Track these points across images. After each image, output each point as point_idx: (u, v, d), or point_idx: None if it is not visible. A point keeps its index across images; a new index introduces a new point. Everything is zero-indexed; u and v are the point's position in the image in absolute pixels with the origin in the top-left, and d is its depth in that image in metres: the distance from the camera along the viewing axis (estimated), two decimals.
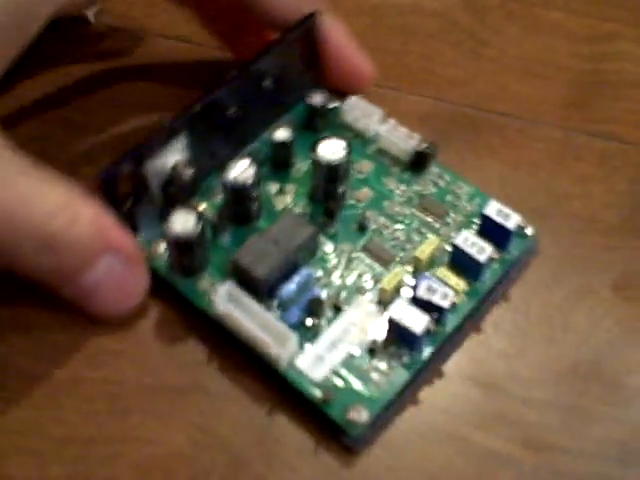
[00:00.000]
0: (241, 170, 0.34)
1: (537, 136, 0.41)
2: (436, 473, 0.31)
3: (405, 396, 0.32)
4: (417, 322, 0.32)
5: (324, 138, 0.35)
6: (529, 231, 0.35)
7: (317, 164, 0.35)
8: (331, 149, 0.35)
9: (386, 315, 0.33)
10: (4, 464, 0.30)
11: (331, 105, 0.39)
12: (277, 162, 0.38)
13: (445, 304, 0.32)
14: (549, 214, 0.38)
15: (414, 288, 0.33)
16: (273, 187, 0.37)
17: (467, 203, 0.37)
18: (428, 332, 0.32)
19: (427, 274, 0.34)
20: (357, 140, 0.38)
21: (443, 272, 0.34)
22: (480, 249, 0.33)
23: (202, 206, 0.36)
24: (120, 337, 0.34)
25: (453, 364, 0.34)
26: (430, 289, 0.32)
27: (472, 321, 0.34)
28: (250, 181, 0.34)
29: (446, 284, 0.34)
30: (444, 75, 0.44)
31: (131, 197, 0.34)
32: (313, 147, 0.35)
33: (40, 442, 0.31)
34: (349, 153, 0.35)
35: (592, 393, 0.33)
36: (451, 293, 0.33)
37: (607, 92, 0.43)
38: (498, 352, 0.34)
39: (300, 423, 0.32)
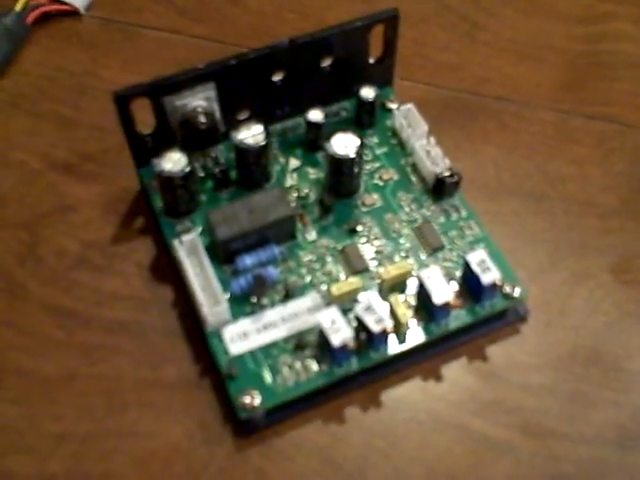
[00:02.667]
0: (252, 134, 0.34)
1: (532, 119, 0.41)
2: (434, 461, 0.31)
3: (325, 399, 0.32)
4: (337, 334, 0.30)
5: (344, 131, 0.34)
6: (517, 293, 0.33)
7: (326, 154, 0.35)
8: (344, 144, 0.34)
9: (326, 316, 0.31)
10: (2, 462, 0.30)
11: (388, 106, 0.38)
12: (308, 142, 0.37)
13: (375, 328, 0.30)
14: (545, 197, 0.38)
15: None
16: (293, 163, 0.37)
17: (467, 245, 0.35)
18: (345, 347, 0.30)
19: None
20: (397, 148, 0.38)
21: (396, 299, 0.32)
22: (441, 290, 0.31)
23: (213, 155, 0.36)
24: (115, 331, 0.34)
25: (450, 351, 0.33)
26: (368, 309, 0.31)
27: (428, 357, 0.33)
28: (255, 146, 0.34)
29: (391, 311, 0.32)
30: (438, 60, 0.43)
31: (155, 127, 0.35)
32: (329, 136, 0.34)
33: (37, 439, 0.31)
34: (359, 154, 0.34)
35: (591, 378, 0.33)
36: (387, 320, 0.31)
37: (604, 73, 0.43)
38: (495, 337, 0.34)
39: None
